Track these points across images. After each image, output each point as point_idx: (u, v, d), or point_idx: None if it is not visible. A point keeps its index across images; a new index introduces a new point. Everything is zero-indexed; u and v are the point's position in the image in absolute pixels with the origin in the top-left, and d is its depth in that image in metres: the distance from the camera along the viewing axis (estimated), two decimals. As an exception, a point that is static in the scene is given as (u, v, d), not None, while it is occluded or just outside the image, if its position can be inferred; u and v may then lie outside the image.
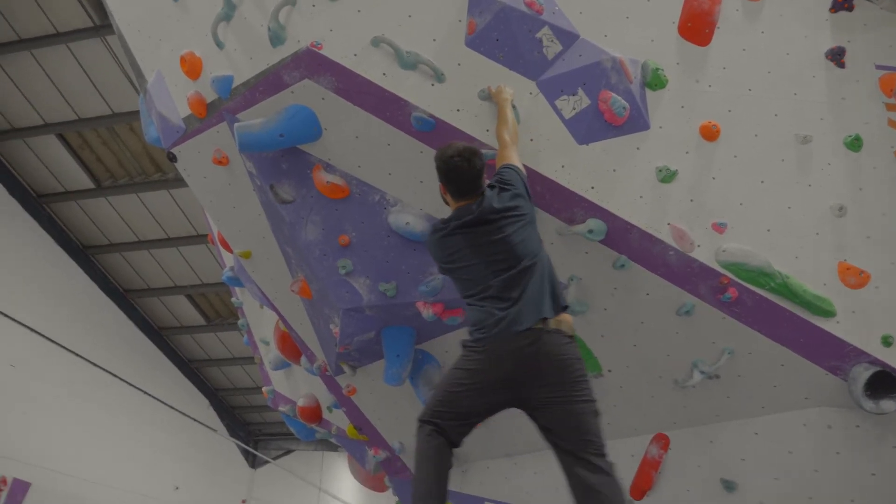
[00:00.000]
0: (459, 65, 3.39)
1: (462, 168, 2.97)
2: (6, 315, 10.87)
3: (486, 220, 2.94)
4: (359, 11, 3.40)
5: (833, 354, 3.48)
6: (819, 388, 3.56)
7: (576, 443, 2.66)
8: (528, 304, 2.80)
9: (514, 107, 3.33)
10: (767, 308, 3.46)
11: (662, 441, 3.94)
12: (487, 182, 3.08)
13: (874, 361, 3.45)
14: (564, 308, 2.92)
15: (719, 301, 3.47)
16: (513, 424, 4.20)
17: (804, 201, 3.57)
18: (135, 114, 11.05)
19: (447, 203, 3.15)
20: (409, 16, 3.41)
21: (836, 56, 3.72)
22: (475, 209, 2.97)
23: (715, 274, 3.44)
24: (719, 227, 3.47)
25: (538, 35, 3.40)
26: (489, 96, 3.38)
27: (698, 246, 3.45)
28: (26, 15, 10.61)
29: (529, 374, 2.73)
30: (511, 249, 2.89)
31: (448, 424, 2.77)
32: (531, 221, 3.02)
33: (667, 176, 3.44)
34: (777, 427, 3.68)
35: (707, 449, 3.84)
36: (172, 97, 4.10)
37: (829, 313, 3.47)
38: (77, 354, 11.74)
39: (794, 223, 3.54)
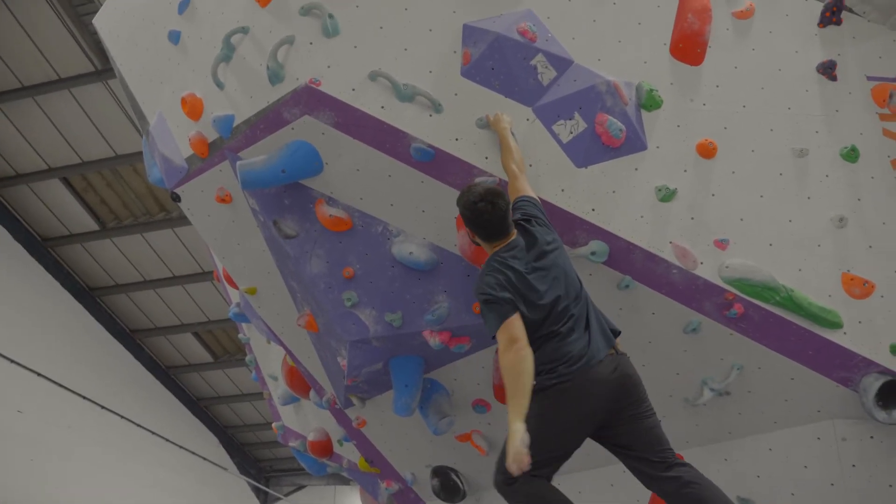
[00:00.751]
0: (456, 95, 3.44)
1: (488, 212, 2.95)
2: (13, 361, 10.88)
3: (545, 254, 2.96)
4: (355, 47, 3.46)
5: (842, 366, 3.47)
6: (830, 400, 3.54)
7: (660, 453, 2.84)
8: (597, 332, 2.91)
9: (512, 133, 3.37)
10: (774, 322, 3.46)
11: (676, 461, 3.91)
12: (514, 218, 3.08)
13: (884, 371, 3.43)
14: (617, 332, 3.03)
15: (725, 317, 3.47)
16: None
17: (804, 214, 3.59)
18: (137, 155, 11.19)
19: (477, 244, 3.14)
20: (405, 49, 3.47)
21: (828, 69, 3.77)
22: (527, 245, 2.96)
23: (719, 290, 3.45)
24: (721, 244, 3.49)
25: (532, 62, 3.46)
26: (487, 124, 3.42)
27: (701, 263, 3.46)
28: (29, 62, 10.83)
29: (616, 398, 2.83)
30: (572, 281, 2.96)
31: (546, 471, 2.82)
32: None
33: (666, 195, 3.47)
34: (791, 442, 3.65)
35: (722, 467, 3.80)
36: (175, 138, 4.15)
37: (835, 325, 3.47)
38: (84, 397, 11.72)
39: (795, 236, 3.55)
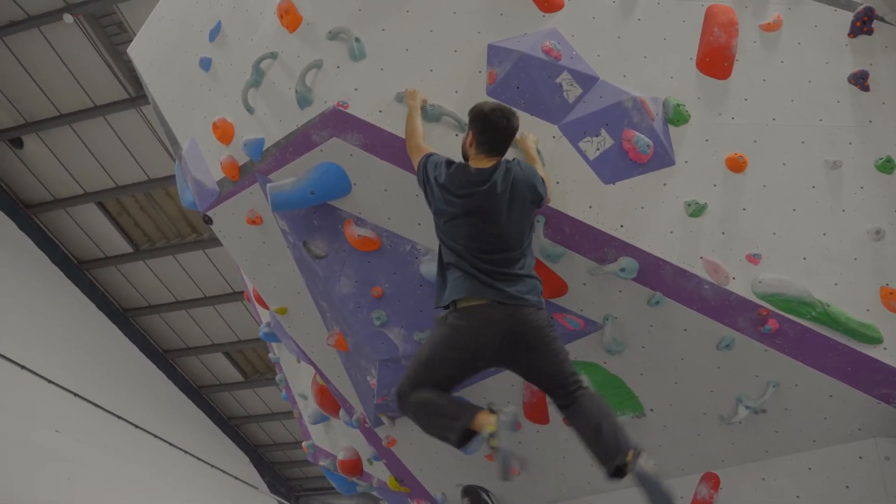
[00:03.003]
0: (482, 114, 3.45)
1: (501, 123, 3.09)
2: (50, 381, 11.10)
3: (489, 208, 3.03)
4: (382, 69, 3.51)
5: (884, 382, 3.38)
6: (872, 418, 3.44)
7: (562, 388, 3.03)
8: (501, 283, 3.05)
9: (538, 152, 3.37)
10: (810, 338, 3.39)
11: (712, 480, 3.83)
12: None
13: (928, 388, 3.34)
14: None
15: (760, 333, 3.41)
16: (557, 471, 4.14)
17: (839, 227, 3.52)
18: (170, 178, 11.44)
19: (466, 157, 3.22)
20: (431, 70, 3.50)
21: (860, 80, 3.72)
22: (488, 187, 3.01)
23: (753, 306, 3.39)
24: (754, 258, 3.44)
25: (558, 80, 3.46)
26: (513, 143, 3.43)
27: (734, 278, 3.41)
28: (66, 90, 11.17)
29: (506, 344, 3.03)
30: (493, 241, 3.04)
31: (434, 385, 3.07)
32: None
33: (696, 210, 3.43)
34: (831, 460, 3.56)
35: (759, 486, 3.71)
36: (206, 162, 4.24)
37: (875, 340, 3.38)
38: (119, 417, 11.89)
39: (830, 250, 3.49)
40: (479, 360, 3.04)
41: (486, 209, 2.99)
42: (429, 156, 3.19)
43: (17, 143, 11.98)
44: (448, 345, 2.99)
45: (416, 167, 3.24)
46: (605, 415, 2.88)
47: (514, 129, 3.12)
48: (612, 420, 2.87)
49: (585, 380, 3.01)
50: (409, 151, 3.35)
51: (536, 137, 3.39)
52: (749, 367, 3.52)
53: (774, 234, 3.48)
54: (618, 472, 2.77)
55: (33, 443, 10.32)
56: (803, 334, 3.39)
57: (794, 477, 3.64)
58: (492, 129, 3.10)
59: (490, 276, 2.96)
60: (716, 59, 3.63)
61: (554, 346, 2.98)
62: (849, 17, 3.80)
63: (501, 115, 3.09)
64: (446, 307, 3.07)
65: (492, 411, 2.78)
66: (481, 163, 3.11)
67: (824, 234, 3.50)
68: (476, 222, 3.00)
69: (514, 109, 3.15)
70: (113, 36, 10.69)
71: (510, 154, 3.43)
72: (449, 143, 3.44)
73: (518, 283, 2.98)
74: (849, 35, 3.80)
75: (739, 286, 3.40)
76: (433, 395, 2.92)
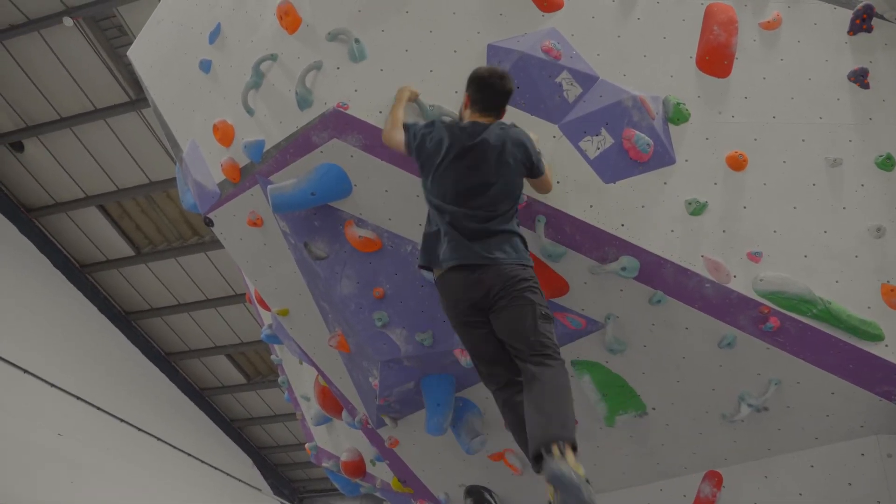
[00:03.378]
0: (482, 114, 3.45)
1: (497, 84, 3.12)
2: (52, 384, 11.11)
3: (479, 166, 3.07)
4: (381, 70, 3.51)
5: (885, 379, 3.38)
6: (874, 415, 3.44)
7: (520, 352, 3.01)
8: (478, 245, 3.08)
9: (539, 151, 3.37)
10: (812, 335, 3.39)
11: (715, 479, 3.83)
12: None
13: (930, 384, 3.34)
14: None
15: (761, 331, 3.41)
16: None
17: (840, 224, 3.52)
18: (171, 181, 11.44)
19: (461, 117, 3.27)
20: (431, 70, 3.51)
21: (860, 77, 3.72)
22: (480, 142, 3.05)
23: (754, 304, 3.39)
24: (755, 257, 3.44)
25: (558, 80, 3.47)
26: None
27: (735, 276, 3.41)
28: (66, 94, 11.17)
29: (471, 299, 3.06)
30: (482, 200, 3.06)
31: (496, 378, 3.14)
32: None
33: (697, 208, 3.43)
34: (834, 458, 3.56)
35: (762, 484, 3.71)
36: (207, 164, 4.24)
37: (876, 337, 3.38)
38: (122, 420, 11.89)
39: (831, 247, 3.49)
40: (480, 326, 3.01)
41: (475, 155, 3.03)
42: (413, 123, 3.26)
43: (18, 147, 11.99)
44: (455, 325, 3.11)
45: (403, 142, 3.24)
46: (555, 397, 2.64)
47: (508, 90, 3.14)
48: (559, 405, 2.62)
49: (557, 355, 2.81)
50: (387, 138, 3.34)
51: (537, 136, 3.39)
52: (751, 365, 3.52)
53: (775, 232, 3.48)
54: (535, 460, 2.51)
55: (36, 445, 10.34)
56: (805, 332, 3.39)
57: (797, 474, 3.64)
58: (487, 88, 3.14)
59: (470, 235, 2.97)
60: (716, 58, 3.64)
61: (521, 300, 2.86)
62: (848, 14, 3.81)
63: (497, 75, 3.14)
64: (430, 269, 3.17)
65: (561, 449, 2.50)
66: (476, 120, 3.16)
67: (825, 232, 3.50)
68: (463, 167, 3.03)
69: (509, 74, 3.18)
70: (113, 39, 10.71)
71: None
72: (449, 144, 3.44)
73: (496, 237, 2.98)
74: (848, 33, 3.80)
75: (740, 284, 3.40)
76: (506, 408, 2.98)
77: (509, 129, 3.13)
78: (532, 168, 3.16)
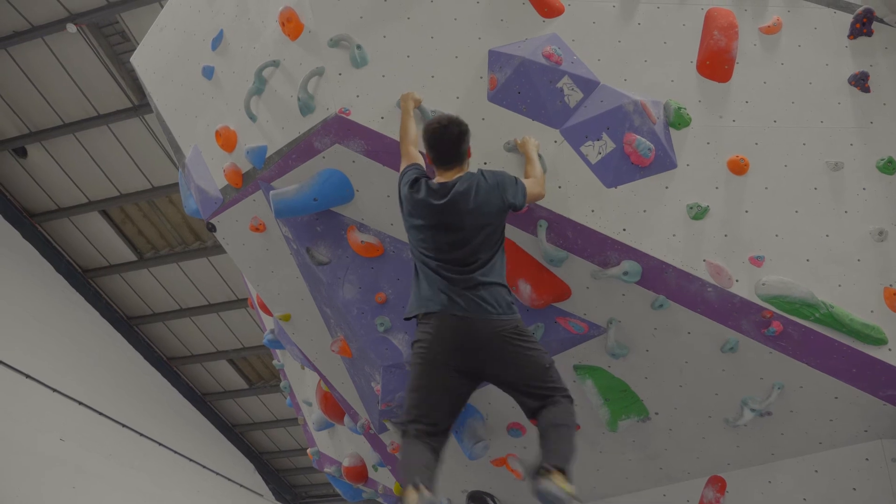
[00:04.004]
0: (483, 119, 3.47)
1: (438, 134, 3.07)
2: (54, 389, 11.12)
3: (458, 225, 3.00)
4: (383, 76, 3.53)
5: (889, 383, 3.38)
6: (878, 419, 3.44)
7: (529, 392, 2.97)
8: (465, 296, 3.02)
9: (540, 156, 3.38)
10: (815, 340, 3.39)
11: (718, 484, 3.82)
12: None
13: (933, 388, 3.33)
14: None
15: (764, 335, 3.41)
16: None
17: (842, 228, 3.52)
18: (173, 186, 11.47)
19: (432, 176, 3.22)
20: (432, 76, 3.52)
21: (860, 81, 3.72)
22: (460, 194, 2.99)
23: (757, 308, 3.39)
24: (757, 261, 3.44)
25: (559, 85, 3.47)
26: (515, 148, 3.44)
27: (737, 281, 3.41)
28: (69, 100, 11.22)
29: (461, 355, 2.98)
30: (466, 251, 3.02)
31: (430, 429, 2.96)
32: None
33: (698, 213, 3.44)
34: (838, 463, 3.55)
35: (766, 489, 3.71)
36: (210, 170, 4.26)
37: (880, 341, 3.38)
38: (124, 425, 11.89)
39: (833, 251, 3.49)
40: (447, 374, 2.91)
41: (447, 221, 2.99)
42: (408, 168, 3.20)
43: (21, 153, 12.03)
44: (418, 362, 2.94)
45: (413, 156, 3.25)
46: (568, 425, 2.77)
47: (451, 136, 3.07)
48: (570, 433, 2.75)
49: (565, 390, 2.88)
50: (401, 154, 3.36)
51: (538, 142, 3.40)
52: (754, 370, 3.51)
53: (777, 236, 3.48)
54: (537, 474, 2.57)
55: (38, 451, 10.34)
56: (807, 336, 3.39)
57: (801, 479, 3.63)
58: (435, 141, 3.10)
59: (452, 286, 2.94)
60: (716, 62, 3.64)
61: (518, 355, 2.87)
62: (848, 18, 3.81)
63: (437, 127, 3.08)
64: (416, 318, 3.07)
65: (416, 487, 2.54)
66: (442, 177, 3.12)
67: (827, 236, 3.50)
68: (437, 234, 3.00)
69: (455, 117, 3.12)
70: (116, 45, 10.75)
71: (513, 160, 3.45)
72: (451, 149, 3.45)
73: (481, 290, 2.93)
74: (848, 37, 3.81)
75: (743, 288, 3.40)
76: (409, 443, 2.82)
77: (479, 177, 3.05)
78: (513, 207, 3.11)
